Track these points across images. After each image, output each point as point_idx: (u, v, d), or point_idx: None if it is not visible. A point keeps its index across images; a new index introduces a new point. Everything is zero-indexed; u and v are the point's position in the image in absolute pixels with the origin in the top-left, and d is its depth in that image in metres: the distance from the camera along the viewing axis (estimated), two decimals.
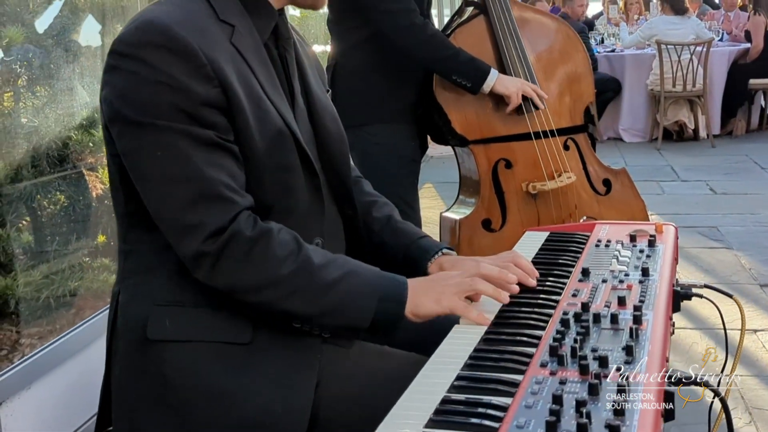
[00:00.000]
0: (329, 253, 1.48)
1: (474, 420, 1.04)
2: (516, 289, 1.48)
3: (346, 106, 2.96)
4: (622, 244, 1.75)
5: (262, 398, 1.38)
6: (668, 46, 7.64)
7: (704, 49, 7.68)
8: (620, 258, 1.64)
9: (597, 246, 1.76)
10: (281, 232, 1.43)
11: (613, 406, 1.02)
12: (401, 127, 2.93)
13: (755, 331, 3.47)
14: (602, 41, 9.34)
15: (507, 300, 1.45)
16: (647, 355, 1.19)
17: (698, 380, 1.25)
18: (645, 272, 1.55)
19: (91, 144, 3.43)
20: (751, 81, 8.16)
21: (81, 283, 3.26)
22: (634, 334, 1.25)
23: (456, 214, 3.02)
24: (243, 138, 1.42)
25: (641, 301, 1.40)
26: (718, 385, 1.63)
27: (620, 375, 1.10)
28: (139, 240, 1.49)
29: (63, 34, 3.24)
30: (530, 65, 2.94)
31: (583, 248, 1.77)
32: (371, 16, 2.80)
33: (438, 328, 1.44)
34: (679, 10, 7.88)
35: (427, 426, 1.04)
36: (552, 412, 1.00)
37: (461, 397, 1.11)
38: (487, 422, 1.03)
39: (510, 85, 2.80)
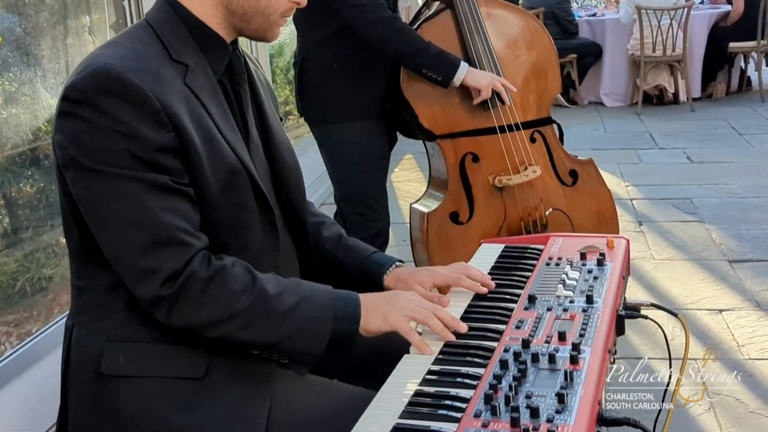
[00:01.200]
0: (282, 279, 1.52)
1: None
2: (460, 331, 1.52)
3: (313, 102, 3.00)
4: (572, 264, 1.79)
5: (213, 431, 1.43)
6: (648, 11, 7.63)
7: (684, 14, 7.67)
8: (567, 282, 1.68)
9: (548, 264, 1.81)
10: (235, 266, 1.46)
11: None
12: (368, 124, 2.96)
13: (720, 311, 3.53)
14: (582, 5, 9.30)
15: (452, 338, 1.49)
16: (579, 402, 1.23)
17: (629, 420, 1.30)
18: (589, 299, 1.59)
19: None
20: (731, 44, 8.16)
21: (56, 271, 3.31)
22: (568, 377, 1.29)
23: (425, 207, 3.06)
24: (197, 179, 1.45)
25: (581, 335, 1.45)
26: (663, 400, 1.71)
27: (548, 429, 1.15)
28: (93, 277, 1.52)
29: None
30: (496, 59, 2.96)
31: (534, 266, 1.81)
32: (341, 11, 2.81)
33: (388, 359, 1.49)
34: None
35: None
36: None
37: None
38: None
39: (481, 79, 2.83)
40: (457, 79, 2.84)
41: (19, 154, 3.30)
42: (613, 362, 1.54)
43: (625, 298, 1.78)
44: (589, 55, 8.27)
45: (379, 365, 1.49)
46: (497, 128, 2.95)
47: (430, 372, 1.39)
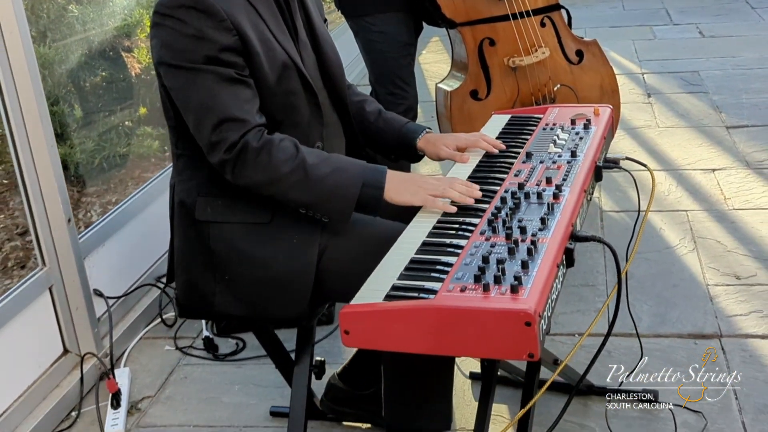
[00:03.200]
0: (324, 153, 1.96)
1: (430, 273, 1.59)
2: (474, 199, 1.88)
3: (318, 4, 3.41)
4: (563, 128, 2.25)
5: (278, 262, 1.93)
6: None
7: None
8: (558, 141, 2.15)
9: (544, 129, 2.27)
10: (283, 141, 1.91)
11: (521, 263, 1.56)
12: (397, 15, 3.38)
13: (713, 170, 3.99)
14: None
15: (471, 202, 1.87)
16: (556, 223, 1.72)
17: (594, 237, 1.78)
18: (573, 154, 2.06)
19: (127, 29, 3.92)
20: None
21: (129, 149, 3.82)
22: (550, 208, 1.78)
23: (448, 87, 3.50)
24: (256, 71, 1.91)
25: (564, 179, 1.92)
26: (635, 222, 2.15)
27: (532, 240, 1.64)
28: (186, 147, 2.01)
29: None
30: None
31: (533, 131, 2.27)
32: None
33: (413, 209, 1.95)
34: None
35: (399, 278, 1.59)
36: (479, 268, 1.55)
37: (424, 257, 1.66)
38: (436, 275, 1.58)
39: None
40: None
41: (87, 44, 3.77)
42: (589, 200, 2.01)
43: (605, 153, 2.24)
44: None
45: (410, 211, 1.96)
46: (510, 15, 3.36)
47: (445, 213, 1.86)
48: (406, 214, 1.90)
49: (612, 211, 3.69)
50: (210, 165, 1.93)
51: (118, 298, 3.04)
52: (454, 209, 1.85)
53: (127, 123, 3.92)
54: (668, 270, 3.17)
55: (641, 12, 7.27)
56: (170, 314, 3.12)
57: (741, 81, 5.23)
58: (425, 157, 2.25)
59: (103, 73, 3.87)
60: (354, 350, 2.43)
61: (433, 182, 1.91)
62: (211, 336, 2.96)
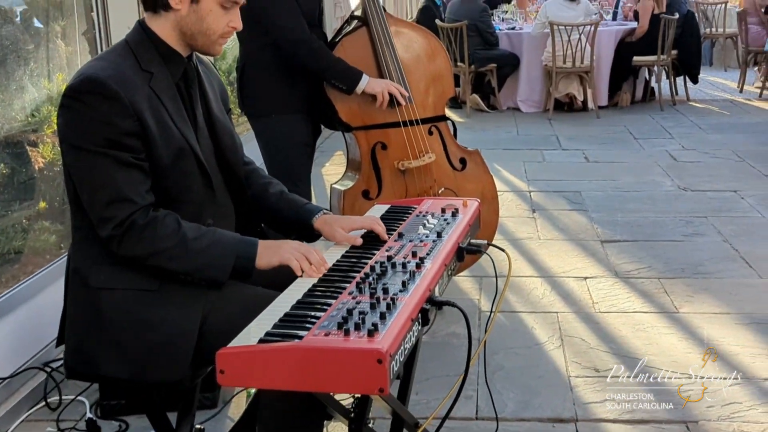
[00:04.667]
0: (203, 228, 2.16)
1: (300, 324, 1.80)
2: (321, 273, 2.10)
3: (254, 99, 3.70)
4: (433, 215, 2.52)
5: (164, 324, 2.10)
6: (560, 27, 8.47)
7: (592, 30, 8.54)
8: (427, 225, 2.41)
9: (417, 216, 2.53)
10: (167, 217, 2.11)
11: (380, 314, 1.78)
12: (298, 117, 3.67)
13: (585, 278, 4.33)
14: (503, 19, 10.12)
15: (317, 275, 2.08)
16: (415, 287, 1.96)
17: (449, 302, 2.02)
18: (439, 235, 2.32)
19: (35, 124, 4.08)
20: (636, 58, 9.06)
21: (24, 243, 3.90)
22: (412, 275, 2.02)
23: (342, 186, 3.78)
24: (153, 154, 2.12)
25: (427, 254, 2.17)
26: (491, 313, 2.42)
27: (392, 298, 1.87)
28: (82, 219, 2.19)
29: None
30: (402, 69, 3.69)
31: (407, 216, 2.53)
32: (268, 29, 3.52)
33: (287, 279, 2.15)
34: None
35: (273, 328, 1.80)
36: (343, 318, 1.77)
37: (296, 312, 1.87)
38: (306, 325, 1.79)
39: (376, 86, 3.57)
40: (359, 89, 3.58)
41: None
42: (450, 275, 2.26)
43: (470, 239, 2.50)
44: (508, 65, 9.09)
45: (283, 280, 2.16)
46: (401, 123, 3.68)
47: (324, 275, 2.10)
48: (284, 285, 2.09)
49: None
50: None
51: (3, 379, 3.10)
52: (315, 275, 2.07)
53: (24, 218, 4.00)
54: (535, 363, 3.43)
55: (534, 137, 7.80)
56: (55, 398, 3.18)
57: (618, 201, 5.68)
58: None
59: (5, 170, 3.96)
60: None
61: (293, 248, 2.15)
62: (94, 418, 3.01)
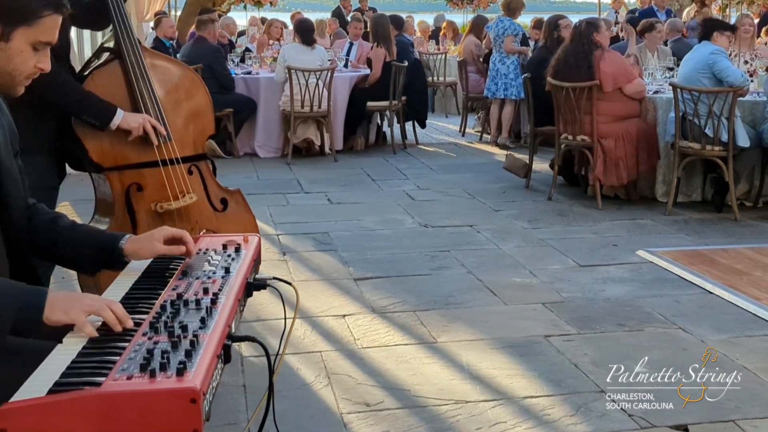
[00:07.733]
0: None
1: (95, 369, 1.64)
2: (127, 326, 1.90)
3: (9, 135, 3.37)
4: (215, 251, 2.42)
5: None
6: (297, 72, 8.60)
7: (328, 75, 8.75)
8: (212, 261, 2.31)
9: (198, 253, 2.42)
10: None
11: (185, 352, 1.67)
12: (42, 158, 3.37)
13: (344, 315, 4.36)
14: (242, 61, 10.13)
15: (120, 329, 1.88)
16: (215, 322, 1.86)
17: (249, 337, 1.95)
18: (227, 270, 2.23)
19: None
20: (369, 103, 9.38)
21: None
22: (209, 311, 1.91)
23: None
24: None
25: (219, 290, 2.07)
26: (279, 345, 2.34)
27: (194, 335, 1.76)
28: None
29: None
30: (159, 104, 3.54)
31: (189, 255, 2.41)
32: None
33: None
34: (308, 41, 8.91)
35: (62, 376, 1.62)
36: (145, 359, 1.63)
37: (87, 359, 1.71)
38: (101, 370, 1.63)
39: (132, 122, 3.39)
40: (113, 124, 3.37)
41: None
42: (242, 311, 2.17)
43: (255, 275, 2.43)
44: (245, 110, 9.06)
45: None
46: (160, 162, 3.52)
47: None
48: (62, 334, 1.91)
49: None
50: None
51: None
52: (96, 334, 1.84)
53: None
54: (305, 404, 3.39)
55: (275, 181, 7.82)
56: None
57: (365, 240, 5.80)
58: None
59: None
60: None
61: (89, 301, 1.93)
62: None
